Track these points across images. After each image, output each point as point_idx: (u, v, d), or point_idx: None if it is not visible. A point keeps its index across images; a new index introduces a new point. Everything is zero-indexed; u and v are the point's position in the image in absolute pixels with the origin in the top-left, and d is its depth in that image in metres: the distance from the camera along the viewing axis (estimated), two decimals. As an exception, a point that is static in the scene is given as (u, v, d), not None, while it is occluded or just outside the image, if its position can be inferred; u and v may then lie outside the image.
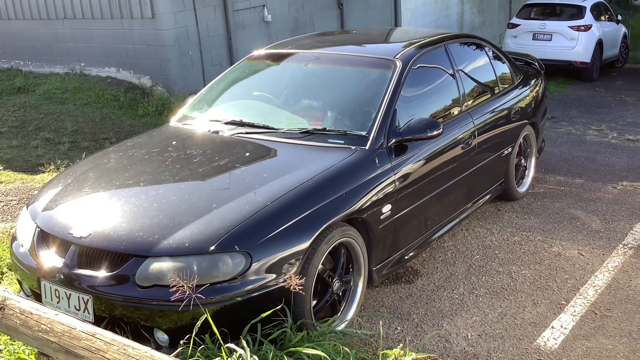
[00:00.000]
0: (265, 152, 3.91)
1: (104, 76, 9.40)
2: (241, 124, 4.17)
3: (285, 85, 4.59)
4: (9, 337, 2.68)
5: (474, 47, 5.32)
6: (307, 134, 3.94)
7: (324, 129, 3.95)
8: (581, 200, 5.64)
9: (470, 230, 4.99)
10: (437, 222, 4.35)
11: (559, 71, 11.84)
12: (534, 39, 11.97)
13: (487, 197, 5.07)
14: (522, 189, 5.65)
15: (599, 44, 11.95)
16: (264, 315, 2.96)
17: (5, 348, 3.15)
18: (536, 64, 6.39)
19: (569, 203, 5.56)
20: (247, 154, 3.88)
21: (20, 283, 3.54)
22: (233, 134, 4.07)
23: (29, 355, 3.04)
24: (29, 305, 2.20)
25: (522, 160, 5.67)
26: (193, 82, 8.68)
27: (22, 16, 10.12)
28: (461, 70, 4.80)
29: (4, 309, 2.20)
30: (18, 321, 2.15)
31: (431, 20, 13.51)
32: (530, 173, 5.78)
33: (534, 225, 5.08)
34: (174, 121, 4.56)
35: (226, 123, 4.21)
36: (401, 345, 2.80)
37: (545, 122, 6.23)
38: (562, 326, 3.68)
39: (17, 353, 3.08)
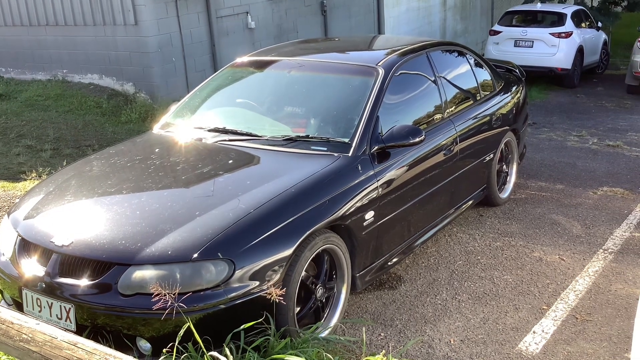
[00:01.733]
0: (249, 159, 3.92)
1: (87, 83, 9.35)
2: (224, 131, 4.18)
3: (269, 93, 4.60)
4: (-11, 347, 2.66)
5: (456, 55, 5.37)
6: (290, 141, 3.95)
7: (307, 136, 3.97)
8: (562, 205, 5.70)
9: (452, 236, 5.03)
10: (420, 228, 4.38)
11: (541, 78, 11.97)
12: (515, 45, 12.09)
13: (470, 202, 5.11)
14: (504, 194, 5.70)
15: (580, 51, 12.10)
16: (247, 325, 2.96)
17: (-14, 358, 3.13)
18: (517, 71, 6.46)
19: (550, 208, 5.62)
20: (231, 162, 3.88)
21: (1, 292, 3.51)
22: (216, 142, 4.07)
23: (10, 365, 3.02)
24: (10, 314, 2.19)
25: (504, 166, 5.72)
26: (176, 89, 8.67)
27: (3, 22, 10.05)
28: (443, 77, 4.85)
29: (-16, 319, 2.18)
30: (-2, 331, 2.14)
31: (414, 27, 13.60)
32: (512, 179, 5.84)
33: (515, 231, 5.13)
34: (157, 128, 4.55)
35: (209, 130, 4.22)
36: (384, 351, 2.81)
37: (526, 128, 6.30)
38: (543, 331, 3.72)
39: (-2, 363, 3.06)
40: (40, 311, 3.12)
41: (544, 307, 3.98)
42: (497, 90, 5.60)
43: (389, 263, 4.08)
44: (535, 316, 3.87)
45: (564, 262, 4.58)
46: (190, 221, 3.16)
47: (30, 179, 6.08)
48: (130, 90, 8.95)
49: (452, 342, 3.60)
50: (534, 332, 3.70)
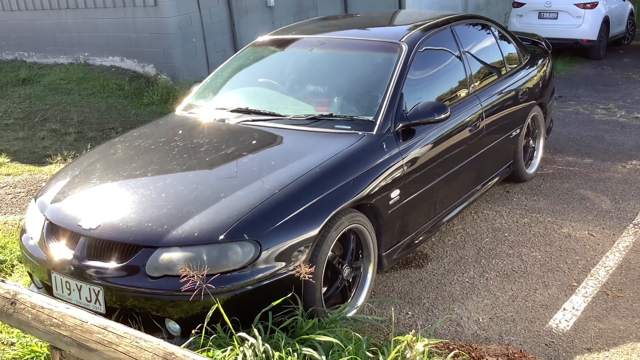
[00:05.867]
0: (272, 139, 3.89)
1: (108, 65, 9.38)
2: (247, 111, 4.15)
3: (291, 71, 4.55)
4: (19, 330, 2.69)
5: (480, 28, 5.26)
6: (313, 120, 3.91)
7: (331, 115, 3.93)
8: (590, 180, 5.60)
9: (479, 213, 4.97)
10: (446, 205, 4.33)
11: (565, 50, 11.72)
12: (539, 17, 11.83)
13: (496, 179, 5.04)
14: (531, 170, 5.61)
15: (606, 22, 11.80)
16: (274, 303, 2.96)
17: (18, 341, 3.17)
18: (543, 43, 6.32)
19: (579, 183, 5.53)
20: (254, 142, 3.86)
21: (30, 276, 3.56)
22: (239, 122, 4.05)
23: (41, 347, 3.06)
24: (41, 299, 2.20)
25: (531, 141, 5.63)
26: (197, 70, 8.65)
27: (24, 7, 10.09)
28: (468, 52, 4.76)
29: (16, 304, 2.20)
30: (30, 315, 2.15)
31: (435, 1, 13.37)
32: (539, 154, 5.74)
33: (543, 207, 5.05)
34: (179, 110, 4.54)
35: (232, 111, 4.19)
36: (413, 331, 2.79)
37: (553, 102, 6.18)
38: (573, 308, 3.67)
39: (30, 346, 3.10)
40: (69, 294, 3.15)
41: (574, 284, 3.92)
42: (523, 63, 5.49)
43: (416, 241, 4.04)
44: (565, 293, 3.82)
45: (594, 238, 4.50)
46: (215, 203, 3.15)
47: (56, 163, 6.14)
48: (151, 72, 8.96)
49: (480, 320, 3.57)
50: (564, 309, 3.66)
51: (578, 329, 3.47)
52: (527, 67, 5.49)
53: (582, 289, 3.86)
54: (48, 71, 9.58)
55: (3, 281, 2.33)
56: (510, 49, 5.45)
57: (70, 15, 9.53)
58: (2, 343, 3.22)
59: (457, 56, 4.63)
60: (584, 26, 11.49)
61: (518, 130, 5.18)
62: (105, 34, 9.22)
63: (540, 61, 5.81)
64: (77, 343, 2.01)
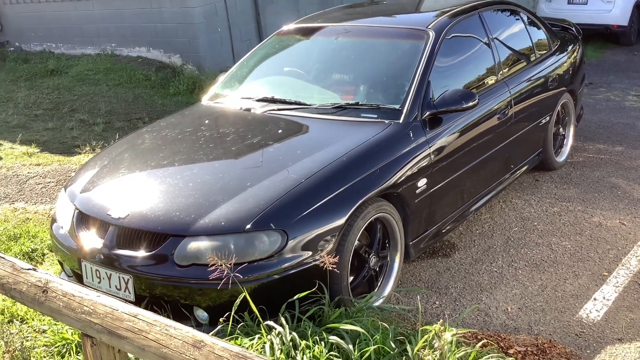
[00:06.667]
0: (298, 128, 3.88)
1: (135, 56, 9.44)
2: (273, 100, 4.14)
3: (316, 60, 4.53)
4: (51, 317, 2.74)
5: (509, 14, 5.17)
6: (339, 108, 3.89)
7: (357, 103, 3.90)
8: (622, 168, 5.49)
9: (507, 202, 4.91)
10: (473, 194, 4.28)
11: (596, 36, 11.49)
12: (569, 3, 11.60)
13: (525, 167, 4.97)
14: (561, 158, 5.52)
15: (637, 6, 11.52)
16: (301, 295, 2.96)
17: (49, 328, 3.23)
18: (573, 29, 6.19)
19: (609, 171, 5.43)
20: (280, 131, 3.85)
21: (61, 264, 3.61)
22: (265, 111, 4.05)
23: (72, 335, 3.11)
24: (72, 287, 2.23)
25: (560, 129, 5.53)
26: (222, 59, 8.66)
27: (52, -2, 10.19)
28: (496, 39, 4.68)
29: (47, 292, 2.23)
30: (61, 303, 2.18)
31: (462, -13, 13.20)
32: (569, 142, 5.65)
33: (573, 195, 4.97)
34: (205, 100, 4.55)
35: (258, 100, 4.19)
36: (441, 320, 2.77)
37: (583, 89, 6.06)
38: (604, 298, 3.61)
39: (61, 333, 3.15)
40: (99, 282, 3.19)
41: (605, 274, 3.86)
42: (553, 50, 5.39)
43: (443, 231, 4.01)
44: (595, 283, 3.76)
45: (625, 227, 4.42)
46: (242, 192, 3.16)
47: (84, 153, 6.21)
48: (177, 62, 9.00)
49: (509, 309, 3.54)
50: (594, 299, 3.60)
51: (609, 319, 3.42)
52: (556, 54, 5.39)
53: (613, 278, 3.80)
54: (76, 62, 9.67)
55: (35, 269, 2.36)
56: (540, 35, 5.35)
57: (97, 6, 9.60)
58: (34, 330, 3.27)
59: (485, 43, 4.57)
60: (614, 11, 11.23)
61: (548, 118, 5.10)
62: (131, 25, 9.28)
63: (570, 47, 5.70)
64: (107, 330, 2.03)
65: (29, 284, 2.31)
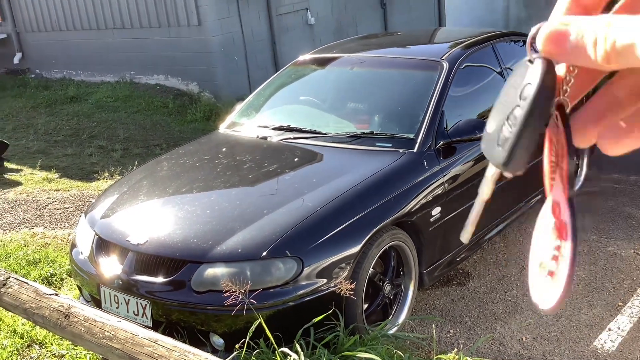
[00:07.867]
0: (314, 156, 3.95)
1: (153, 84, 9.62)
2: (289, 129, 4.22)
3: (332, 90, 4.62)
4: (71, 342, 2.79)
5: (522, 45, 5.23)
6: (354, 137, 3.96)
7: (372, 133, 3.96)
8: (636, 198, 5.49)
9: (522, 231, 4.92)
10: (488, 223, 4.30)
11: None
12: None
13: (539, 196, 4.98)
14: (575, 187, 5.52)
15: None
16: (316, 320, 2.99)
17: (68, 353, 3.27)
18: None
19: (624, 201, 5.42)
20: (296, 159, 3.92)
21: (80, 289, 3.67)
22: (281, 140, 4.12)
23: None
24: (93, 312, 2.29)
25: (575, 158, 5.54)
26: (239, 87, 8.80)
27: (73, 27, 10.44)
28: (509, 69, 4.74)
29: (70, 317, 2.29)
30: (82, 328, 2.23)
31: (476, 16, 13.33)
32: (583, 171, 5.66)
33: (587, 225, 4.97)
34: (222, 128, 4.64)
35: (274, 129, 4.27)
36: (456, 350, 2.79)
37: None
38: (619, 328, 3.60)
39: (80, 358, 3.19)
40: (117, 307, 3.24)
41: (620, 304, 3.85)
42: (566, 80, 5.43)
43: (457, 259, 4.03)
44: (610, 313, 3.76)
45: (640, 257, 4.42)
46: (258, 219, 3.22)
47: (103, 179, 6.31)
48: (194, 90, 9.15)
49: (524, 339, 3.54)
50: (609, 330, 3.59)
51: (624, 350, 3.40)
52: (570, 83, 5.43)
53: (627, 308, 3.79)
54: (95, 89, 9.87)
55: (57, 295, 2.42)
56: (553, 65, 5.39)
57: (117, 35, 9.82)
58: (53, 355, 3.32)
59: (499, 72, 4.63)
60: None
61: (561, 147, 5.12)
62: (150, 53, 9.47)
63: (583, 77, 5.74)
64: (128, 356, 2.08)
65: (52, 309, 2.37)
